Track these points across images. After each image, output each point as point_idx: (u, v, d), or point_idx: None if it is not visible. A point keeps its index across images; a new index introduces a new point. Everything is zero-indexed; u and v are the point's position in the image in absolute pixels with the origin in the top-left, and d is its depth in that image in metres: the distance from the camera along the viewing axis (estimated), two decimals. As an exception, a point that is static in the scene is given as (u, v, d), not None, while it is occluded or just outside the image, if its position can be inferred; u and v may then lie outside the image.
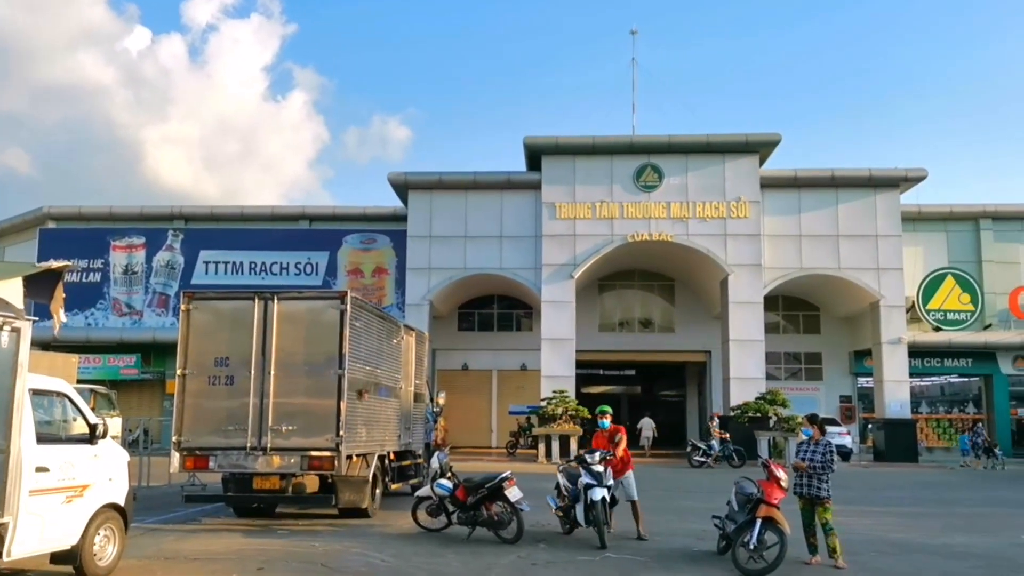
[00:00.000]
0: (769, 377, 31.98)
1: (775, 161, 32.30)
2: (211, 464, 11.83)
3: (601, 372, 40.17)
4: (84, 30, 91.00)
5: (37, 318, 7.09)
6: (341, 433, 11.54)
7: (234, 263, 35.71)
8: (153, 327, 35.26)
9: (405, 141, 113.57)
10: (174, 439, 11.87)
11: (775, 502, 8.88)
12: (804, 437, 9.73)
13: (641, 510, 11.09)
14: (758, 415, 27.66)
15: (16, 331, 7.01)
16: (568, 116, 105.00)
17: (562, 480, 10.97)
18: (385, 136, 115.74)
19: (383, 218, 35.67)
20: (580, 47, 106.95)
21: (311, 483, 12.18)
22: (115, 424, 22.60)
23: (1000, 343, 33.69)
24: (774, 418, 27.39)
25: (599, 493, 10.10)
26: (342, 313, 11.89)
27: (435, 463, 11.64)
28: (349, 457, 11.90)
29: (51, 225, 36.87)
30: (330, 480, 12.08)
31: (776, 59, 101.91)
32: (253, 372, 11.79)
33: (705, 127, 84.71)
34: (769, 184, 31.64)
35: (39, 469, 7.32)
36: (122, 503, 8.41)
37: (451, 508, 11.12)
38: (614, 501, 10.68)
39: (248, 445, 11.65)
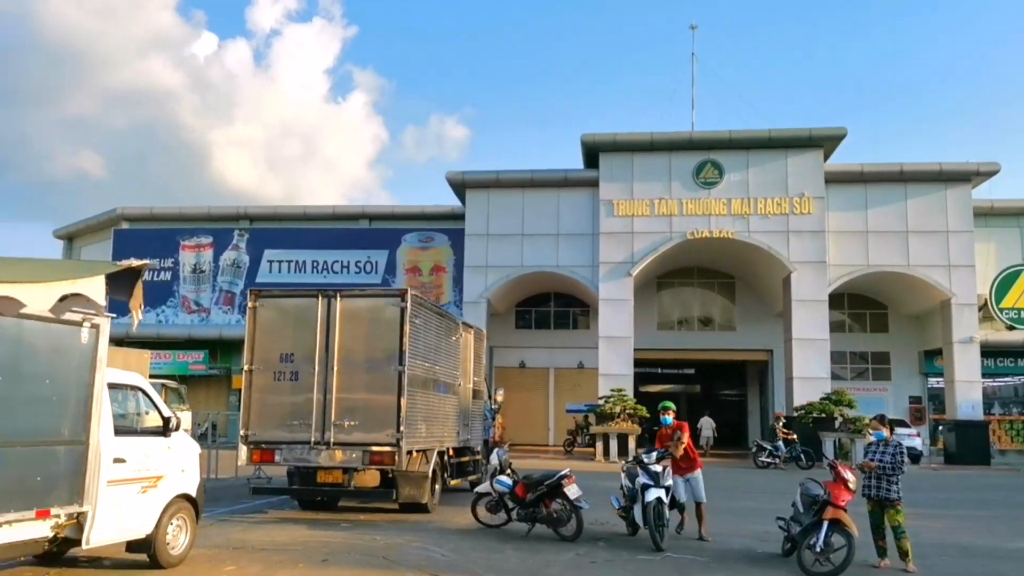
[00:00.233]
0: (834, 377, 31.25)
1: (840, 156, 31.59)
2: (276, 458, 12.13)
3: (659, 371, 39.80)
4: (153, 36, 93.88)
5: (115, 315, 7.37)
6: (401, 429, 11.70)
7: (297, 262, 36.45)
8: (220, 324, 36.22)
9: (462, 140, 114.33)
10: (241, 433, 12.18)
11: (842, 504, 8.70)
12: (875, 439, 9.46)
13: (706, 511, 10.96)
14: (823, 416, 27.07)
15: (95, 327, 7.30)
16: (626, 113, 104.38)
17: (624, 480, 10.91)
18: (442, 135, 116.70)
19: (441, 217, 35.99)
20: (638, 43, 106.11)
21: (372, 478, 12.39)
22: (185, 418, 23.29)
23: (1077, 342, 32.32)
24: (839, 419, 26.76)
25: (654, 493, 10.01)
26: (403, 310, 12.06)
27: (494, 459, 11.71)
28: (409, 453, 12.06)
29: (125, 226, 38.15)
30: (390, 475, 12.26)
31: (839, 52, 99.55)
32: (317, 368, 12.04)
33: (766, 122, 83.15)
34: (834, 179, 30.91)
35: (116, 460, 7.61)
36: (194, 494, 8.69)
37: (510, 505, 11.18)
38: (674, 502, 10.52)
39: (312, 440, 11.91)
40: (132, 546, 8.11)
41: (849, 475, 8.87)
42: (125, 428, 8.01)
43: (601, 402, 28.35)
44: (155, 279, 36.38)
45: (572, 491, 10.59)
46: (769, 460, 25.28)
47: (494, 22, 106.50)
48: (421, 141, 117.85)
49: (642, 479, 10.22)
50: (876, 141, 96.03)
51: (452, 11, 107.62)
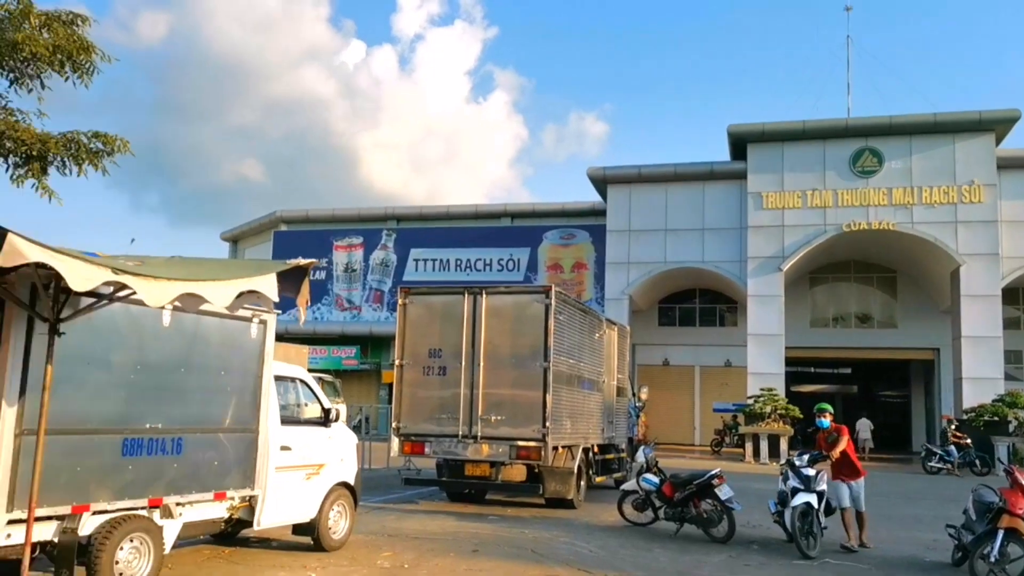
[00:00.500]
0: (1008, 378, 28.84)
1: (1013, 140, 29.14)
2: (426, 450, 12.50)
3: (812, 370, 38.14)
4: (307, 47, 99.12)
5: (281, 311, 7.83)
6: (547, 424, 11.77)
7: (441, 260, 37.46)
8: (370, 321, 37.77)
9: (602, 136, 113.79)
10: (393, 425, 12.65)
11: (1020, 512, 8.03)
12: None
13: (867, 518, 10.36)
14: (995, 419, 25.06)
15: (263, 323, 7.80)
16: (774, 102, 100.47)
17: (780, 483, 10.48)
18: (582, 132, 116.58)
19: (582, 213, 35.97)
20: (785, 29, 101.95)
21: (519, 472, 12.55)
22: (342, 410, 24.41)
23: None
24: (1014, 422, 24.71)
25: (803, 498, 9.55)
26: (547, 307, 12.13)
27: (640, 457, 11.57)
28: (555, 448, 12.12)
29: (283, 228, 40.50)
30: (537, 470, 12.37)
31: (1007, 27, 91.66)
32: (464, 363, 12.31)
33: (929, 107, 77.65)
34: (1007, 165, 28.54)
35: (283, 448, 8.09)
36: (352, 482, 9.10)
37: (657, 503, 11.01)
38: (830, 508, 10.00)
39: (459, 433, 12.19)
40: (297, 529, 8.60)
41: (1028, 482, 8.17)
42: (290, 418, 8.48)
43: (750, 401, 27.47)
44: (311, 278, 38.12)
45: (723, 491, 10.31)
46: (940, 465, 23.65)
47: (633, 16, 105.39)
48: (561, 138, 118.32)
49: (792, 482, 9.81)
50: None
51: (592, 7, 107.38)
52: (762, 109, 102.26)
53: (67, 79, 8.29)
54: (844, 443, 10.20)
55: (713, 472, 10.50)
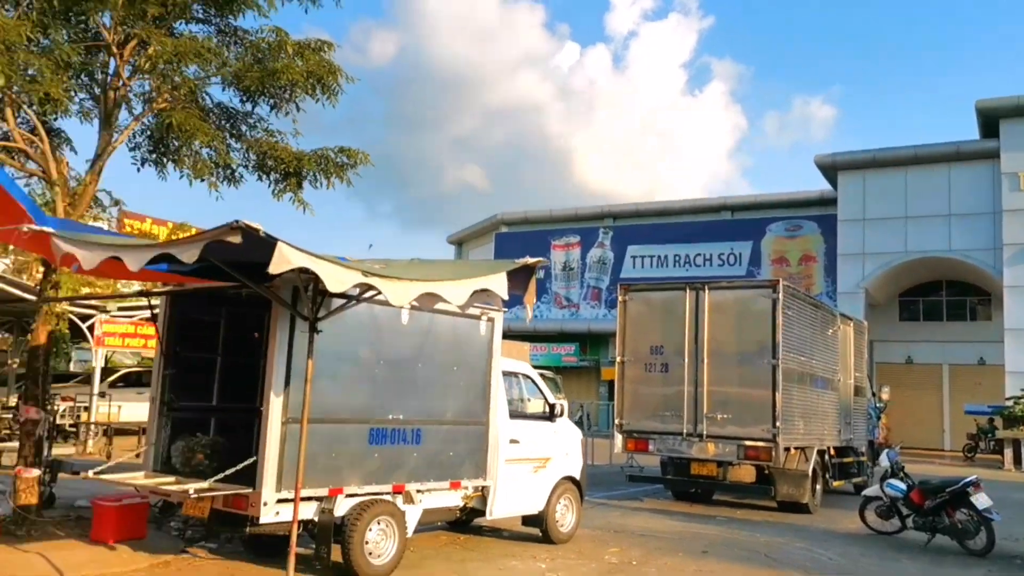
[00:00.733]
0: None
1: None
2: (650, 447, 12.45)
3: (1087, 369, 33.41)
4: (524, 54, 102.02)
5: (507, 309, 8.13)
6: (777, 424, 11.28)
7: (659, 256, 37.04)
8: (588, 318, 38.14)
9: (828, 121, 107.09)
10: (616, 422, 12.72)
11: None
12: None
13: None
14: None
15: (491, 321, 8.15)
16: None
17: None
18: (807, 118, 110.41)
19: (808, 203, 34.07)
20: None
21: (747, 473, 12.15)
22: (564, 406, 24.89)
23: None
24: None
25: None
26: (774, 302, 11.64)
27: (884, 461, 10.75)
28: (787, 449, 11.59)
29: (504, 230, 41.96)
30: (767, 471, 11.89)
31: None
32: (687, 360, 12.11)
33: None
34: None
35: (511, 441, 8.39)
36: (577, 476, 9.25)
37: (904, 511, 10.18)
38: None
39: (684, 431, 12.00)
40: (527, 520, 8.90)
41: None
42: (516, 412, 8.78)
43: (1009, 403, 24.77)
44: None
45: (980, 501, 9.34)
46: None
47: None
48: (783, 126, 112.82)
49: None
50: None
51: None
52: (1015, 82, 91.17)
53: (317, 101, 9.15)
54: None
55: (969, 479, 9.55)
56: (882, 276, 29.42)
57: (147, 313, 10.64)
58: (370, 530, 6.79)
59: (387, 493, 7.09)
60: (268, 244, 4.89)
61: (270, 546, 7.27)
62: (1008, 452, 23.88)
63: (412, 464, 7.32)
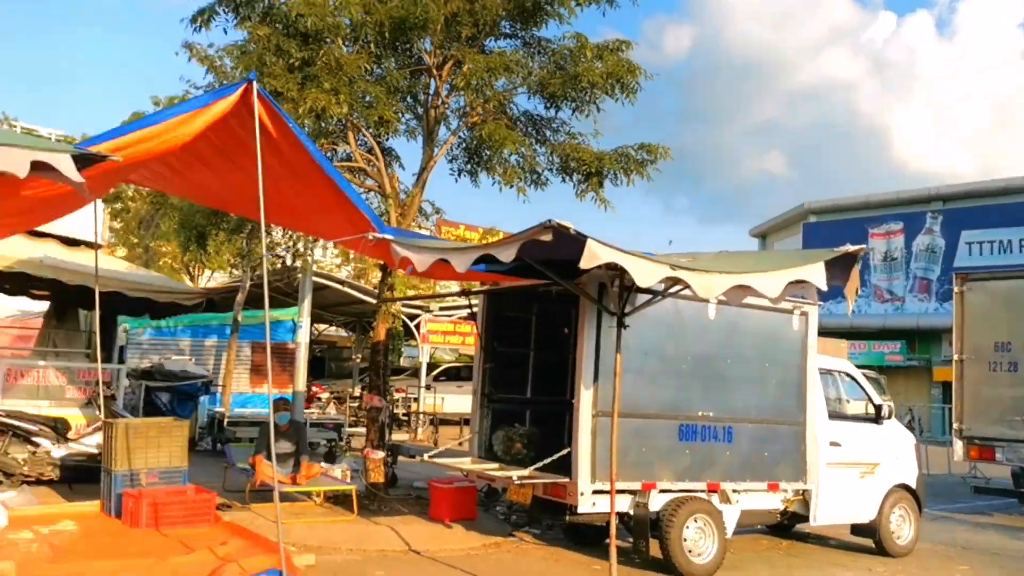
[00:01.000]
0: None
1: None
2: (997, 456, 11.25)
3: None
4: (829, 30, 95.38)
5: (823, 303, 7.61)
6: None
7: (1001, 242, 32.55)
8: (915, 313, 34.54)
9: None
10: (955, 427, 11.55)
11: None
12: None
13: None
14: None
15: (804, 315, 7.70)
16: None
17: None
18: None
19: None
20: None
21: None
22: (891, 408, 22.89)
23: None
24: None
25: None
26: None
27: None
28: None
29: (812, 219, 39.44)
30: None
31: None
32: (1040, 359, 10.54)
33: None
34: None
35: (832, 443, 7.85)
36: (912, 484, 8.42)
37: None
38: None
39: (1040, 439, 10.44)
40: (856, 530, 8.28)
41: None
42: (836, 413, 8.20)
43: None
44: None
45: None
46: None
47: None
48: None
49: None
50: None
51: None
52: None
53: (616, 100, 9.28)
54: None
55: None
56: None
57: (464, 312, 11.54)
58: (687, 528, 6.73)
59: (701, 491, 6.99)
60: (578, 241, 5.02)
61: (588, 535, 7.51)
62: None
63: (725, 463, 7.15)
